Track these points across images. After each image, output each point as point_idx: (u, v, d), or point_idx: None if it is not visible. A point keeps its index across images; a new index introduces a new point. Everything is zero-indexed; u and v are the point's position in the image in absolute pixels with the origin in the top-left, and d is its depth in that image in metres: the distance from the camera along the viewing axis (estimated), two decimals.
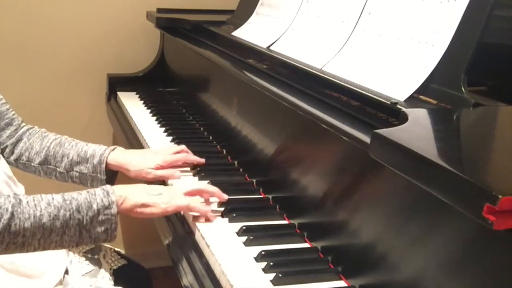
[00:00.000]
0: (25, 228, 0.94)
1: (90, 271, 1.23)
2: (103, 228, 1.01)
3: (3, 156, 1.31)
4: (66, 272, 1.20)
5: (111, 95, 2.15)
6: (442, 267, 0.76)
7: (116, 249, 1.39)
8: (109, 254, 1.33)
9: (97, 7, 2.16)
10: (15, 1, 2.07)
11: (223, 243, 1.04)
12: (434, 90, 0.99)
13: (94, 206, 1.00)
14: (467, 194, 0.63)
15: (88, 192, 1.02)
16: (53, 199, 0.99)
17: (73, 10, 2.14)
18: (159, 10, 2.13)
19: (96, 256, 1.28)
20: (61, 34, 2.14)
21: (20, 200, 0.96)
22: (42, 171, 1.33)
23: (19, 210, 0.94)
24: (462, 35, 0.98)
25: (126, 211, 1.06)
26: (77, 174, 1.30)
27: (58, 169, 1.31)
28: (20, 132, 1.33)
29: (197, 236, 1.09)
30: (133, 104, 1.96)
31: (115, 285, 1.23)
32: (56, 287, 1.17)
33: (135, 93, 2.11)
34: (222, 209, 1.15)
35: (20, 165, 1.34)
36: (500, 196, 0.58)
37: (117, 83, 2.16)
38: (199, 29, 1.89)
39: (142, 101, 2.00)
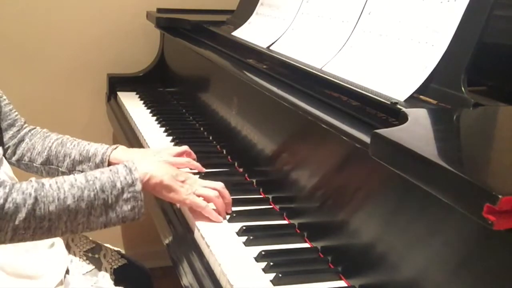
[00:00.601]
0: (50, 211, 0.93)
1: (90, 270, 1.23)
2: (129, 207, 1.00)
3: (5, 158, 1.31)
4: (67, 272, 1.20)
5: (111, 95, 2.15)
6: (442, 267, 0.76)
7: (116, 248, 1.39)
8: (109, 253, 1.33)
9: (97, 7, 2.16)
10: (15, 1, 2.07)
11: (223, 243, 1.04)
12: (434, 90, 0.99)
13: (118, 185, 0.99)
14: (467, 194, 0.63)
15: (110, 170, 1.02)
16: (76, 180, 0.98)
17: (73, 10, 2.14)
18: (159, 10, 2.13)
19: (96, 256, 1.28)
20: (61, 34, 2.15)
21: (43, 183, 0.95)
22: (45, 171, 1.33)
23: (42, 193, 0.94)
24: (462, 35, 0.98)
25: (150, 189, 1.05)
26: (79, 173, 1.30)
27: (60, 169, 1.31)
28: (22, 133, 1.33)
29: (197, 236, 1.09)
30: (133, 104, 1.96)
31: (115, 284, 1.23)
32: (57, 287, 1.17)
33: (135, 93, 2.11)
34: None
35: (22, 166, 1.34)
36: (500, 196, 0.58)
37: (117, 83, 2.16)
38: (199, 29, 1.89)
39: (142, 101, 2.00)
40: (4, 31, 2.07)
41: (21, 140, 1.33)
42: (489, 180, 0.66)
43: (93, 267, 1.24)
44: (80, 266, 1.22)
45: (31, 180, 0.96)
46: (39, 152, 1.32)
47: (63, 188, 0.96)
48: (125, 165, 1.03)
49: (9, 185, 0.92)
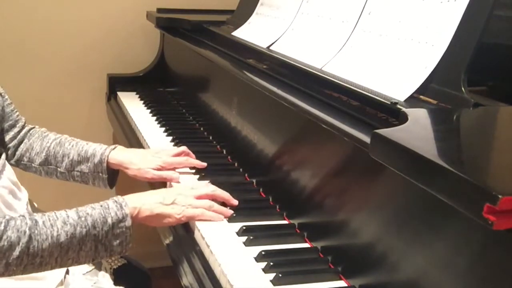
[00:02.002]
0: (43, 249, 0.94)
1: (90, 270, 1.23)
2: (118, 241, 1.01)
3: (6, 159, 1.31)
4: (67, 272, 1.20)
5: (111, 95, 2.15)
6: (442, 267, 0.76)
7: None
8: None
9: (97, 7, 2.16)
10: (16, 1, 2.07)
11: (223, 243, 1.04)
12: (434, 90, 0.99)
13: (109, 221, 1.00)
14: (467, 194, 0.63)
15: (101, 206, 1.02)
16: (68, 217, 0.98)
17: (73, 10, 2.14)
18: (159, 10, 2.13)
19: None
20: (61, 34, 2.15)
21: (36, 221, 0.95)
22: (43, 171, 1.33)
23: (36, 231, 0.94)
24: (462, 35, 0.98)
25: (141, 222, 1.06)
26: (78, 173, 1.30)
27: (59, 169, 1.31)
28: (22, 133, 1.33)
29: (197, 236, 1.09)
30: (133, 104, 1.96)
31: (115, 284, 1.23)
32: (58, 287, 1.17)
33: (135, 93, 2.11)
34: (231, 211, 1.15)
35: (21, 166, 1.34)
36: (500, 196, 0.58)
37: (117, 83, 2.16)
38: (199, 29, 1.89)
39: (142, 101, 2.00)
40: (4, 31, 2.07)
41: (21, 141, 1.33)
42: (489, 180, 0.66)
43: (93, 267, 1.24)
44: (80, 266, 1.22)
45: (24, 216, 0.96)
46: (38, 152, 1.31)
47: (56, 226, 0.96)
48: (116, 201, 1.03)
49: (4, 222, 0.92)
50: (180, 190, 1.14)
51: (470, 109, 0.92)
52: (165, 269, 1.93)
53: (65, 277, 1.19)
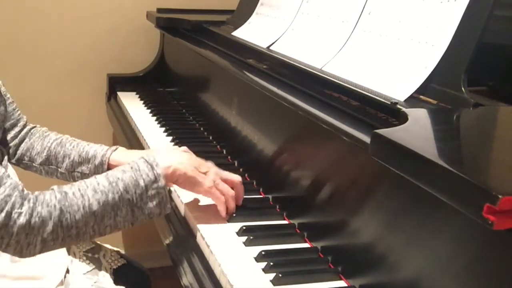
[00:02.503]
0: (76, 220, 0.93)
1: (91, 270, 1.23)
2: (155, 203, 1.00)
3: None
4: (67, 271, 1.20)
5: (111, 95, 2.15)
6: (442, 267, 0.76)
7: (116, 249, 1.39)
8: (109, 253, 1.33)
9: (97, 7, 2.17)
10: (16, 1, 2.07)
11: (223, 243, 1.04)
12: (434, 90, 0.99)
13: (141, 183, 0.99)
14: (467, 194, 0.63)
15: (132, 168, 1.01)
16: (98, 184, 0.97)
17: (73, 10, 2.14)
18: (159, 10, 2.13)
19: (96, 256, 1.28)
20: (61, 34, 2.15)
21: (66, 192, 0.95)
22: (44, 171, 1.33)
23: (66, 203, 0.93)
24: (462, 35, 0.98)
25: (173, 181, 1.06)
26: (79, 174, 1.30)
27: (59, 169, 1.31)
28: (23, 132, 1.33)
29: (197, 236, 1.09)
30: (133, 104, 1.96)
31: (115, 284, 1.23)
32: (58, 287, 1.17)
33: (135, 93, 2.11)
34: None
35: (22, 165, 1.34)
36: (500, 196, 0.58)
37: (117, 83, 2.16)
38: (199, 29, 1.89)
39: (142, 101, 2.00)
40: (4, 31, 2.07)
41: (22, 140, 1.33)
42: (489, 180, 0.66)
43: (93, 266, 1.24)
44: (80, 266, 1.22)
45: (53, 189, 0.96)
46: (39, 152, 1.31)
47: (87, 195, 0.95)
48: (146, 160, 1.02)
49: (32, 199, 0.92)
50: (211, 165, 1.14)
51: (470, 109, 0.92)
52: (165, 269, 1.94)
53: (65, 276, 1.19)
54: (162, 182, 1.01)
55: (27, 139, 1.33)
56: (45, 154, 1.31)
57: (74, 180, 1.32)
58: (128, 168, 1.01)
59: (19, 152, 1.32)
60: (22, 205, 0.91)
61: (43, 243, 0.93)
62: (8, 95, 1.30)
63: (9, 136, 1.30)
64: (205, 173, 1.10)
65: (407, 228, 0.83)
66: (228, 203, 1.12)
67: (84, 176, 1.30)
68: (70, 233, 0.94)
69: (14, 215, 0.89)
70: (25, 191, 0.93)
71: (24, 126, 1.34)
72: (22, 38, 2.10)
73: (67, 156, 1.30)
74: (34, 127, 1.36)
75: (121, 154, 1.31)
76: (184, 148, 1.37)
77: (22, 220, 0.90)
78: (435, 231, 0.77)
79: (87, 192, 0.96)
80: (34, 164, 1.32)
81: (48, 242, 0.93)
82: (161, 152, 1.08)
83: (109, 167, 1.29)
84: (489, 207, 0.59)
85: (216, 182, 1.11)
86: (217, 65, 1.61)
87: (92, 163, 1.29)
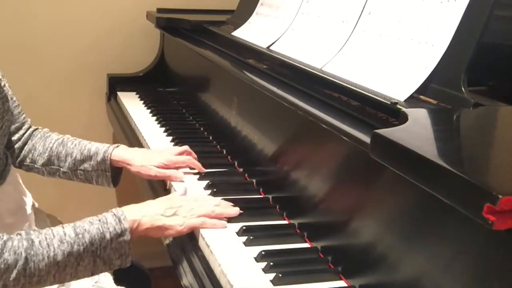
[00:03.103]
0: (40, 269, 0.93)
1: None
2: (117, 255, 0.99)
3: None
4: None
5: (111, 95, 2.15)
6: (442, 267, 0.76)
7: None
8: None
9: (97, 7, 2.16)
10: (16, 1, 2.07)
11: (223, 243, 1.04)
12: (434, 90, 0.99)
13: (107, 236, 0.98)
14: (467, 194, 0.63)
15: (100, 221, 1.00)
16: (65, 234, 0.96)
17: (73, 10, 2.14)
18: (159, 10, 2.13)
19: None
20: (61, 34, 2.15)
21: (33, 241, 0.94)
22: (46, 172, 1.33)
23: (32, 252, 0.93)
24: (462, 35, 0.98)
25: (141, 235, 1.04)
26: (82, 172, 1.30)
27: (62, 168, 1.31)
28: (26, 135, 1.33)
29: (197, 236, 1.09)
30: (133, 104, 1.96)
31: (115, 284, 1.23)
32: (58, 287, 1.17)
33: (135, 93, 2.11)
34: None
35: (23, 167, 1.34)
36: (500, 196, 0.58)
37: (117, 83, 2.16)
38: (199, 29, 1.89)
39: (142, 101, 2.00)
40: (4, 31, 2.07)
41: (25, 143, 1.33)
42: (489, 180, 0.66)
43: None
44: None
45: (20, 235, 0.95)
46: (40, 153, 1.31)
47: (52, 245, 0.95)
48: (114, 214, 1.01)
49: (1, 244, 0.91)
50: (182, 201, 1.12)
51: (470, 109, 0.92)
52: (165, 269, 1.93)
53: None
54: (127, 236, 1.00)
55: (29, 141, 1.33)
56: (47, 154, 1.31)
57: (78, 178, 1.32)
58: (96, 220, 1.00)
59: (21, 154, 1.32)
60: None
61: None
62: (15, 98, 1.30)
63: (13, 139, 1.30)
64: (174, 214, 1.07)
65: (407, 228, 0.83)
66: (216, 216, 1.10)
67: (87, 173, 1.30)
68: (31, 280, 0.93)
69: None
70: None
71: (28, 129, 1.34)
72: (22, 38, 2.10)
73: (69, 155, 1.30)
74: (36, 129, 1.36)
75: (122, 151, 1.31)
76: (186, 147, 1.38)
77: None
78: (435, 231, 0.77)
79: (53, 242, 0.95)
80: (36, 166, 1.32)
81: (8, 287, 0.92)
82: (131, 207, 1.06)
83: (111, 163, 1.29)
84: (489, 207, 0.59)
85: (193, 214, 1.08)
86: (217, 65, 1.61)
87: (94, 159, 1.29)
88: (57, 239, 0.96)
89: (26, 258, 0.92)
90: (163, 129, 1.69)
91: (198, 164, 1.35)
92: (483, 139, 0.83)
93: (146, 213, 1.05)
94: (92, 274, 1.01)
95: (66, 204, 1.96)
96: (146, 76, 2.20)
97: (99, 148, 1.30)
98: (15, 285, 0.92)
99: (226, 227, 1.10)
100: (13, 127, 1.29)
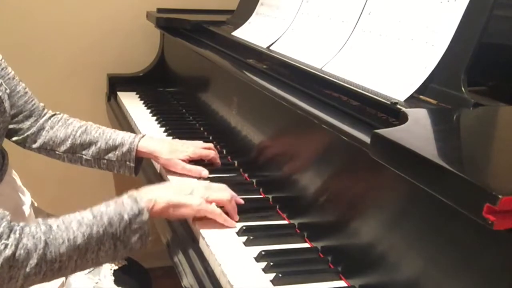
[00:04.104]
0: (61, 253, 0.91)
1: (92, 270, 1.23)
2: (137, 236, 0.98)
3: (24, 146, 1.32)
4: None
5: (111, 95, 2.15)
6: (442, 267, 0.76)
7: None
8: None
9: (97, 8, 2.16)
10: (16, 1, 2.07)
11: (223, 243, 1.04)
12: (434, 90, 0.99)
13: (125, 217, 0.97)
14: (467, 194, 0.63)
15: (116, 202, 0.99)
16: (82, 218, 0.95)
17: (73, 10, 2.14)
18: (159, 10, 2.13)
19: None
20: (61, 34, 2.14)
21: (50, 226, 0.93)
22: (67, 159, 1.33)
23: (51, 236, 0.91)
24: (462, 35, 0.98)
25: (158, 214, 1.03)
26: (105, 161, 1.30)
27: (84, 156, 1.31)
28: (41, 121, 1.33)
29: (197, 236, 1.09)
30: (133, 104, 1.96)
31: (115, 284, 1.23)
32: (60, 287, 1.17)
33: (135, 93, 2.11)
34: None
35: (43, 152, 1.34)
36: (500, 196, 0.58)
37: (117, 83, 2.16)
38: (199, 29, 1.89)
39: (142, 101, 2.00)
40: (4, 31, 2.06)
41: (41, 129, 1.33)
42: (489, 180, 0.66)
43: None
44: None
45: (38, 222, 0.94)
46: (63, 140, 1.32)
47: (71, 228, 0.93)
48: (130, 195, 1.01)
49: (18, 230, 0.90)
50: (197, 183, 1.12)
51: (470, 109, 0.92)
52: (165, 269, 1.94)
53: (66, 277, 1.19)
54: (145, 216, 0.99)
55: (47, 127, 1.33)
56: (69, 142, 1.31)
57: (99, 167, 1.32)
58: (112, 202, 0.99)
59: (40, 140, 1.32)
60: (9, 236, 0.88)
61: (25, 278, 0.89)
62: (19, 88, 1.30)
63: (24, 126, 1.31)
64: (190, 194, 1.07)
65: (407, 228, 0.83)
66: (228, 209, 1.10)
67: (111, 163, 1.30)
68: (53, 267, 0.91)
69: (1, 246, 0.87)
70: (12, 222, 0.91)
71: (41, 115, 1.34)
72: (22, 38, 2.10)
73: (93, 143, 1.30)
74: (54, 115, 1.37)
75: (149, 142, 1.32)
76: (211, 144, 1.39)
77: (7, 252, 0.87)
78: (435, 231, 0.77)
79: (72, 225, 0.94)
80: (57, 152, 1.32)
81: (30, 277, 0.90)
82: (146, 188, 1.06)
83: (137, 154, 1.30)
84: (489, 207, 0.59)
85: (206, 196, 1.08)
86: (217, 65, 1.61)
87: (119, 150, 1.29)
88: (75, 222, 0.94)
89: (45, 242, 0.90)
90: (163, 129, 1.69)
91: (219, 162, 1.37)
92: (483, 139, 0.83)
93: (162, 193, 1.05)
94: (114, 260, 0.99)
95: (66, 203, 1.96)
96: (146, 76, 2.20)
97: (125, 139, 1.30)
98: (36, 273, 0.90)
99: (235, 226, 1.10)
100: (21, 116, 1.30)
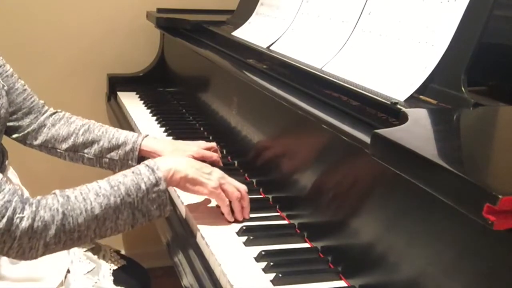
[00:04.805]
0: (79, 223, 0.93)
1: (91, 270, 1.23)
2: (155, 206, 1.00)
3: (25, 143, 1.32)
4: (68, 271, 1.20)
5: (111, 95, 2.15)
6: (442, 267, 0.76)
7: (116, 249, 1.39)
8: (109, 254, 1.32)
9: (97, 7, 2.16)
10: (16, 1, 2.07)
11: (223, 243, 1.04)
12: (434, 90, 0.99)
13: (143, 186, 0.98)
14: (467, 194, 0.63)
15: (133, 172, 1.00)
16: (100, 188, 0.97)
17: (73, 10, 2.14)
18: (159, 10, 2.13)
19: (96, 256, 1.28)
20: (61, 34, 2.14)
21: (68, 196, 0.95)
22: (68, 157, 1.33)
23: (69, 207, 0.93)
24: (462, 35, 0.98)
25: (175, 185, 1.05)
26: (107, 160, 1.30)
27: (86, 155, 1.31)
28: (42, 118, 1.33)
29: (197, 236, 1.09)
30: (133, 104, 1.96)
31: (115, 284, 1.23)
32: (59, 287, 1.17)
33: (135, 93, 2.11)
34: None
35: (44, 150, 1.34)
36: (500, 196, 0.58)
37: (117, 83, 2.16)
38: (199, 29, 1.89)
39: (142, 101, 2.00)
40: (4, 31, 2.06)
41: (42, 126, 1.32)
42: (489, 180, 0.66)
43: (94, 267, 1.24)
44: (80, 266, 1.22)
45: (55, 193, 0.95)
46: (65, 138, 1.31)
47: (89, 199, 0.95)
48: (147, 165, 1.02)
49: (35, 203, 0.92)
50: (217, 169, 1.13)
51: (470, 109, 0.92)
52: (165, 269, 1.94)
53: (65, 276, 1.19)
54: (163, 185, 1.00)
55: (49, 125, 1.33)
56: (71, 140, 1.31)
57: (101, 166, 1.32)
58: (129, 172, 1.01)
59: (41, 137, 1.32)
60: (23, 209, 0.90)
61: (45, 247, 0.92)
62: (18, 85, 1.30)
63: (24, 123, 1.30)
64: (208, 174, 1.09)
65: (407, 228, 0.83)
66: (234, 206, 1.11)
67: (112, 162, 1.30)
68: (72, 236, 0.94)
69: (16, 220, 0.89)
70: (25, 196, 0.93)
71: (41, 112, 1.34)
72: (22, 38, 2.10)
73: (95, 142, 1.30)
74: (55, 112, 1.36)
75: (152, 141, 1.31)
76: (214, 144, 1.39)
77: (24, 224, 0.89)
78: (435, 231, 0.77)
79: (89, 196, 0.95)
80: (58, 150, 1.32)
81: (50, 246, 0.93)
82: (163, 158, 1.08)
83: (140, 154, 1.29)
84: (489, 207, 0.59)
85: (221, 182, 1.10)
86: (217, 65, 1.61)
87: (122, 149, 1.29)
88: (92, 192, 0.96)
89: (63, 213, 0.92)
90: (163, 129, 1.69)
91: (221, 163, 1.37)
92: (483, 139, 0.83)
93: (181, 163, 1.06)
94: (133, 227, 1.01)
95: None
96: (146, 76, 2.20)
97: (128, 138, 1.30)
98: (56, 242, 0.92)
99: (232, 221, 1.11)
100: (20, 113, 1.29)
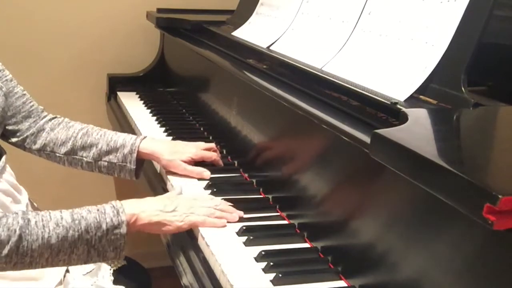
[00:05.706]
0: (32, 249, 0.93)
1: (90, 271, 1.23)
2: (112, 247, 0.99)
3: (24, 147, 1.32)
4: (68, 271, 1.20)
5: (111, 95, 2.15)
6: (442, 267, 0.76)
7: None
8: None
9: (97, 8, 2.16)
10: (16, 1, 2.07)
11: (223, 243, 1.04)
12: (434, 90, 0.99)
13: (104, 226, 0.98)
14: (467, 194, 0.63)
15: (98, 210, 1.00)
16: (62, 218, 0.96)
17: (73, 10, 2.14)
18: (159, 10, 2.13)
19: None
20: (62, 34, 2.14)
21: (29, 220, 0.94)
22: (67, 162, 1.32)
23: (27, 231, 0.93)
24: (462, 35, 0.98)
25: (138, 230, 1.03)
26: (106, 163, 1.29)
27: (85, 159, 1.30)
28: (41, 122, 1.33)
29: (197, 236, 1.09)
30: (133, 104, 1.96)
31: (114, 284, 1.23)
32: (57, 287, 1.17)
33: (135, 93, 2.11)
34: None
35: (43, 155, 1.33)
36: (500, 196, 0.58)
37: (117, 83, 2.16)
38: (199, 29, 1.89)
39: (142, 101, 2.00)
40: (4, 31, 2.07)
41: (41, 130, 1.32)
42: (489, 180, 0.66)
43: (93, 266, 1.24)
44: (80, 266, 1.22)
45: (17, 214, 0.95)
46: (63, 142, 1.31)
47: (48, 227, 0.95)
48: (113, 206, 1.01)
49: None
50: (182, 199, 1.12)
51: (470, 109, 0.92)
52: (165, 269, 1.93)
53: (64, 276, 1.19)
54: (124, 229, 0.99)
55: (48, 129, 1.32)
56: (70, 144, 1.31)
57: (99, 170, 1.31)
58: (94, 209, 1.00)
59: (40, 141, 1.32)
60: None
61: None
62: (17, 89, 1.30)
63: (23, 128, 1.30)
64: (173, 211, 1.06)
65: (407, 228, 0.83)
66: (215, 222, 1.09)
67: (111, 165, 1.30)
68: (24, 260, 0.93)
69: None
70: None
71: (41, 117, 1.34)
72: (22, 38, 2.10)
73: (94, 145, 1.29)
74: (54, 117, 1.36)
75: (151, 143, 1.31)
76: (213, 144, 1.38)
77: None
78: (435, 231, 0.77)
79: (49, 224, 0.95)
80: (57, 154, 1.32)
81: (0, 264, 0.92)
82: (130, 201, 1.05)
83: (139, 155, 1.29)
84: (489, 207, 0.59)
85: (191, 212, 1.07)
86: (217, 65, 1.61)
87: (120, 152, 1.28)
88: (53, 221, 0.96)
89: (20, 235, 0.92)
90: (163, 129, 1.69)
91: (221, 163, 1.36)
92: (483, 139, 0.83)
93: (145, 208, 1.04)
94: (85, 263, 1.01)
95: (66, 204, 1.96)
96: (146, 76, 2.20)
97: (126, 140, 1.29)
98: (7, 262, 0.92)
99: (226, 225, 1.10)
100: (19, 116, 1.29)
